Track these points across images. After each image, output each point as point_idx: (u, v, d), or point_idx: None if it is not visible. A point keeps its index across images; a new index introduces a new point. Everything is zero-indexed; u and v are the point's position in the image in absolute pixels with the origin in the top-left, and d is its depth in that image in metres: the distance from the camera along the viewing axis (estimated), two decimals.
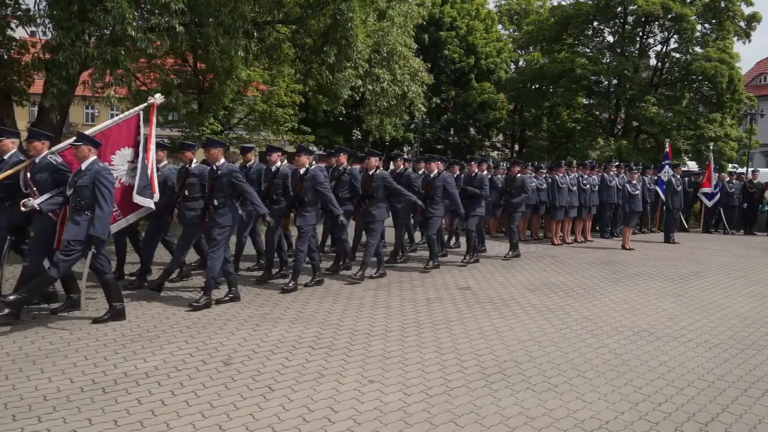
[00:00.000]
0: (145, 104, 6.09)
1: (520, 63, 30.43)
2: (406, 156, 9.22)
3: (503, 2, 32.36)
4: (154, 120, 6.15)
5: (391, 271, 8.24)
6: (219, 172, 5.92)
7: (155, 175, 5.96)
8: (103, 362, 4.24)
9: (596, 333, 5.36)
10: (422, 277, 7.77)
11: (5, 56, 10.00)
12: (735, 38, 22.93)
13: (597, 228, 12.99)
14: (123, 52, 8.08)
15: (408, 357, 4.55)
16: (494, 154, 32.13)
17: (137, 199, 5.74)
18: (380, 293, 6.75)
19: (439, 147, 28.12)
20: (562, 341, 5.07)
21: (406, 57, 13.33)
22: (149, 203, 5.82)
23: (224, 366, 4.23)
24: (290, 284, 6.68)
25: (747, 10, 22.62)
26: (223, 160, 6.08)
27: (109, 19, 7.70)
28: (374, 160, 7.72)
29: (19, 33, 10.66)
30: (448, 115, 26.94)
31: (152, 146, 6.00)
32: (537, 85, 25.51)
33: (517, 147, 29.91)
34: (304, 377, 4.07)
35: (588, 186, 11.55)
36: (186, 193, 6.40)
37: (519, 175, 9.70)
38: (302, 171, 6.80)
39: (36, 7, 8.88)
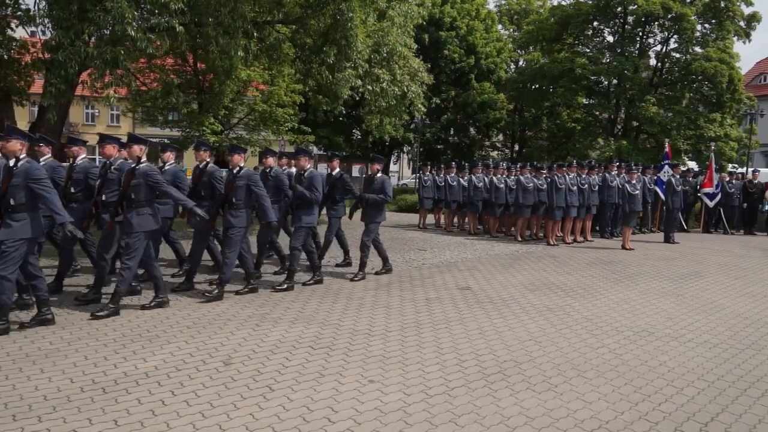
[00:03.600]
0: None
1: (520, 63, 30.45)
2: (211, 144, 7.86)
3: (503, 2, 32.39)
4: None
5: (390, 271, 8.25)
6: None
7: None
8: (103, 362, 4.24)
9: (596, 333, 5.36)
10: (422, 277, 7.77)
11: (5, 56, 9.99)
12: (735, 38, 22.97)
13: (597, 228, 13.00)
14: (122, 52, 8.08)
15: (408, 357, 4.55)
16: (494, 154, 32.16)
17: None
18: (380, 293, 6.75)
19: (439, 147, 28.13)
20: (562, 341, 5.07)
21: (406, 57, 13.34)
22: None
23: (224, 366, 4.23)
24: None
25: (747, 10, 22.68)
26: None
27: (109, 18, 7.71)
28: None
29: (19, 33, 10.66)
30: (448, 115, 26.96)
31: None
32: (537, 85, 25.54)
33: (517, 147, 29.93)
34: (304, 377, 4.07)
35: (587, 186, 11.55)
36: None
37: (379, 175, 7.85)
38: (11, 163, 4.98)
39: (36, 7, 8.87)
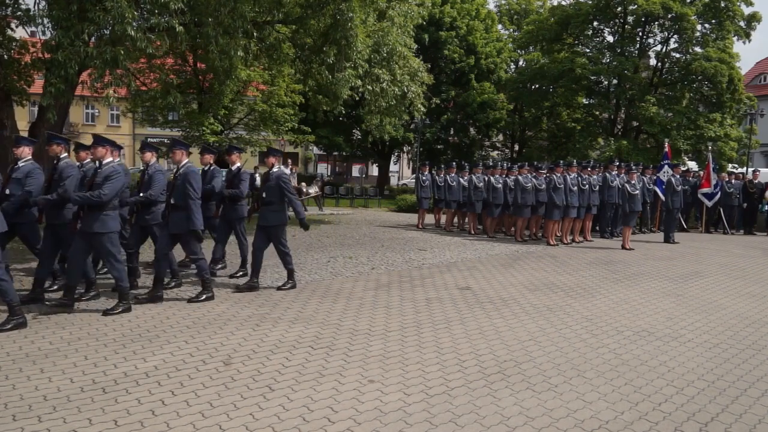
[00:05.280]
0: None
1: (520, 63, 30.45)
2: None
3: (503, 2, 32.39)
4: None
5: (391, 272, 8.25)
6: None
7: None
8: (103, 362, 4.23)
9: (596, 333, 5.36)
10: (422, 277, 7.77)
11: (5, 56, 10.00)
12: (735, 38, 22.96)
13: (597, 228, 13.00)
14: (122, 52, 8.08)
15: (408, 357, 4.55)
16: (494, 154, 32.16)
17: None
18: (380, 293, 6.75)
19: (439, 147, 28.14)
20: (562, 341, 5.07)
21: (405, 57, 13.35)
22: None
23: (224, 366, 4.23)
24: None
25: (747, 10, 22.67)
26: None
27: (109, 18, 7.72)
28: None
29: (19, 33, 10.67)
30: (448, 115, 26.96)
31: None
32: (537, 85, 25.55)
33: (517, 147, 29.93)
34: (304, 377, 4.06)
35: (587, 186, 11.55)
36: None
37: (275, 169, 6.73)
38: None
39: (36, 7, 8.88)
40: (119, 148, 6.32)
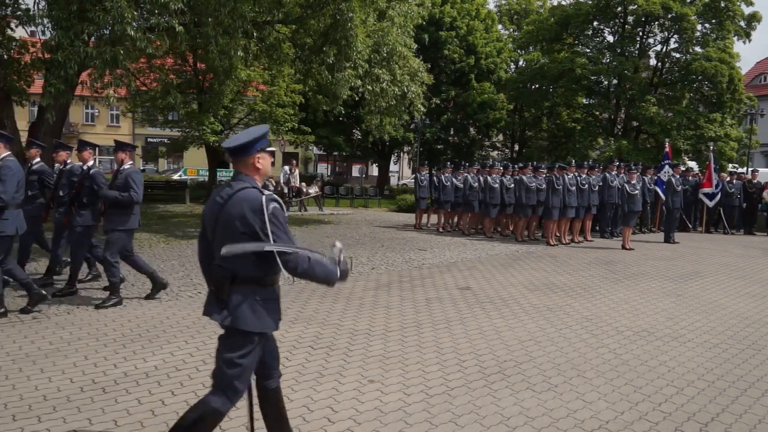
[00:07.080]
0: None
1: (520, 63, 30.44)
2: None
3: (503, 2, 32.38)
4: None
5: (391, 272, 8.25)
6: None
7: None
8: (103, 362, 4.23)
9: (596, 333, 5.36)
10: (422, 277, 7.77)
11: (5, 56, 10.00)
12: (735, 38, 22.96)
13: (597, 228, 13.00)
14: (122, 52, 8.09)
15: (408, 357, 4.55)
16: (494, 154, 32.15)
17: None
18: (380, 293, 6.75)
19: (439, 147, 28.13)
20: (562, 341, 5.07)
21: (405, 57, 13.35)
22: None
23: None
24: None
25: (747, 10, 22.66)
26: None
27: (109, 18, 7.72)
28: None
29: (19, 33, 10.68)
30: (448, 115, 26.95)
31: None
32: (537, 85, 25.53)
33: (517, 147, 29.92)
34: (304, 377, 4.06)
35: (586, 186, 11.54)
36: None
37: (127, 166, 5.89)
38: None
39: (36, 7, 8.88)
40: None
